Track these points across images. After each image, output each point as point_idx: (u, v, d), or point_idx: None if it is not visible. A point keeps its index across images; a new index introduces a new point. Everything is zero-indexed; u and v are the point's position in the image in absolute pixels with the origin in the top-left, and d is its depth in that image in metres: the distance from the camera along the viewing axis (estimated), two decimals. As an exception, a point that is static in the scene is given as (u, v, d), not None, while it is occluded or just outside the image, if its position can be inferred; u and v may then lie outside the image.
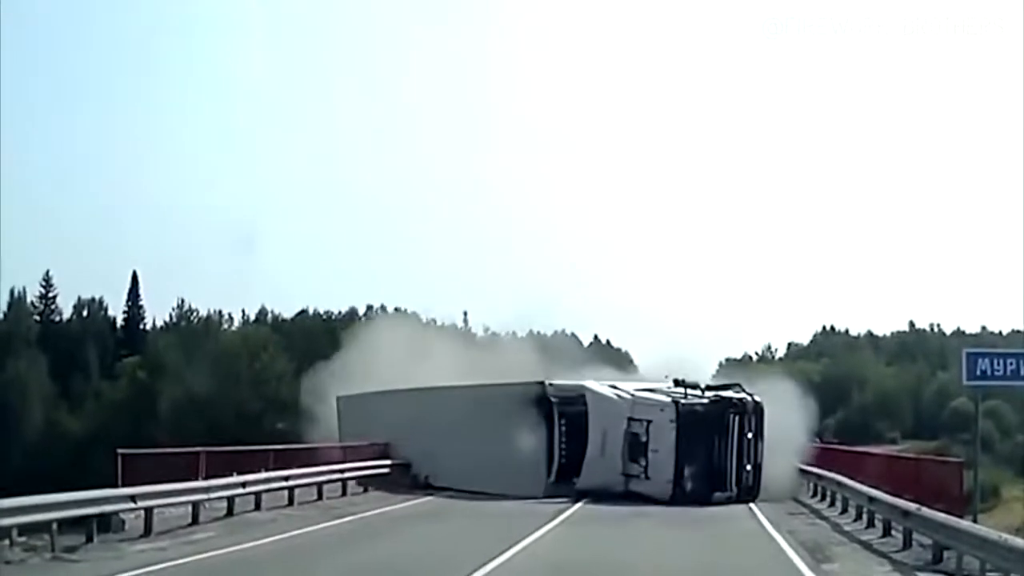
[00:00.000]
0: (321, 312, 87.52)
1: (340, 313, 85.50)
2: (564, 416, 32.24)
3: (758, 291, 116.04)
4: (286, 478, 26.72)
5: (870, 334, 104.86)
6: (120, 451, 21.19)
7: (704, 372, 39.60)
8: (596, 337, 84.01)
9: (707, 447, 30.86)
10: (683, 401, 31.03)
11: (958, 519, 18.39)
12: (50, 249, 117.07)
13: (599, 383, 33.15)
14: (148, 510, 20.43)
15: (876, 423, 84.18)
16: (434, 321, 68.35)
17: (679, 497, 29.74)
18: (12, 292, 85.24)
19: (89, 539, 18.70)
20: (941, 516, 18.51)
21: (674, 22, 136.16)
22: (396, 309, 76.58)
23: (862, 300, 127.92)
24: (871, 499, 23.55)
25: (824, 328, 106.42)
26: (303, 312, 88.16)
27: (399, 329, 49.26)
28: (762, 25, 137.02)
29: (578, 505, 28.54)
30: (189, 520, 22.02)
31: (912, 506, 19.97)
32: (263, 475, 25.71)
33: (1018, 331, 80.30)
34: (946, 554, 18.15)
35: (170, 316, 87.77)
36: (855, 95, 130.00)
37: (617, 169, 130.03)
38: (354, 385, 38.82)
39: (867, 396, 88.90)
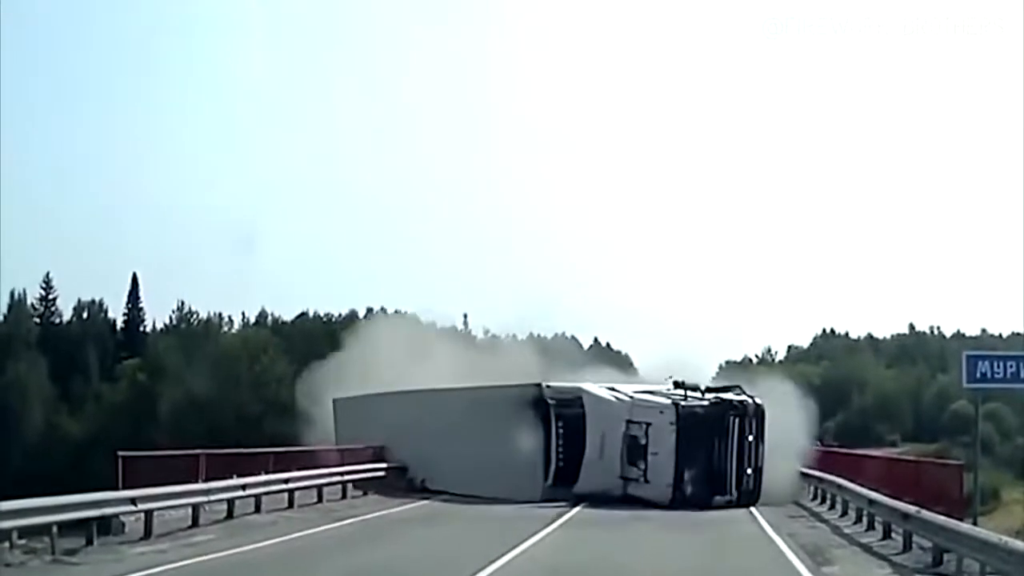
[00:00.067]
0: (321, 314, 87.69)
1: (340, 315, 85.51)
2: (561, 419, 31.67)
3: (758, 293, 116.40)
4: (286, 481, 26.73)
5: (870, 337, 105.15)
6: (120, 453, 21.13)
7: (704, 374, 39.12)
8: (596, 339, 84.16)
9: (707, 450, 30.42)
10: (683, 403, 30.58)
11: (958, 522, 18.34)
12: (50, 250, 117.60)
13: (597, 385, 32.78)
14: (148, 512, 20.41)
15: (876, 426, 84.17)
16: (434, 323, 68.43)
17: (679, 501, 29.35)
18: (12, 294, 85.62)
19: (89, 542, 18.69)
20: (941, 519, 18.48)
21: (674, 22, 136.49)
22: (396, 311, 76.65)
23: (862, 303, 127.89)
24: (871, 502, 23.52)
25: (824, 330, 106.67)
26: (303, 314, 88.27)
27: (398, 330, 49.09)
28: (762, 25, 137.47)
29: (576, 509, 28.26)
30: (189, 522, 22.02)
31: (912, 509, 19.95)
32: (263, 477, 25.73)
33: (1018, 333, 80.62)
34: (946, 557, 18.13)
35: (170, 318, 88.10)
36: (855, 95, 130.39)
37: (617, 169, 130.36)
38: (352, 387, 38.66)
39: (867, 399, 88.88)
